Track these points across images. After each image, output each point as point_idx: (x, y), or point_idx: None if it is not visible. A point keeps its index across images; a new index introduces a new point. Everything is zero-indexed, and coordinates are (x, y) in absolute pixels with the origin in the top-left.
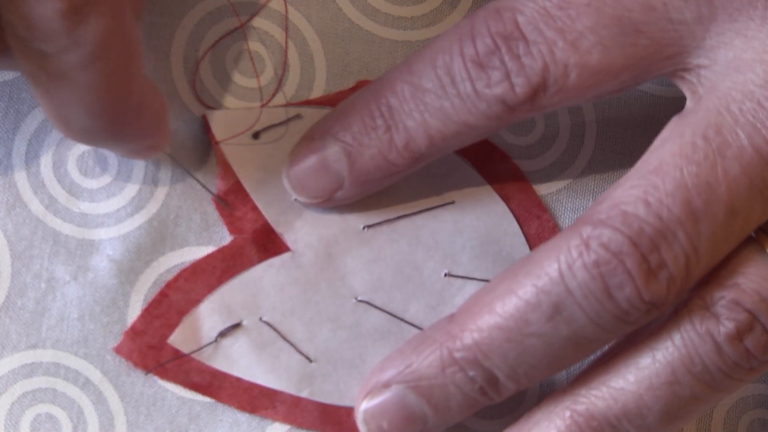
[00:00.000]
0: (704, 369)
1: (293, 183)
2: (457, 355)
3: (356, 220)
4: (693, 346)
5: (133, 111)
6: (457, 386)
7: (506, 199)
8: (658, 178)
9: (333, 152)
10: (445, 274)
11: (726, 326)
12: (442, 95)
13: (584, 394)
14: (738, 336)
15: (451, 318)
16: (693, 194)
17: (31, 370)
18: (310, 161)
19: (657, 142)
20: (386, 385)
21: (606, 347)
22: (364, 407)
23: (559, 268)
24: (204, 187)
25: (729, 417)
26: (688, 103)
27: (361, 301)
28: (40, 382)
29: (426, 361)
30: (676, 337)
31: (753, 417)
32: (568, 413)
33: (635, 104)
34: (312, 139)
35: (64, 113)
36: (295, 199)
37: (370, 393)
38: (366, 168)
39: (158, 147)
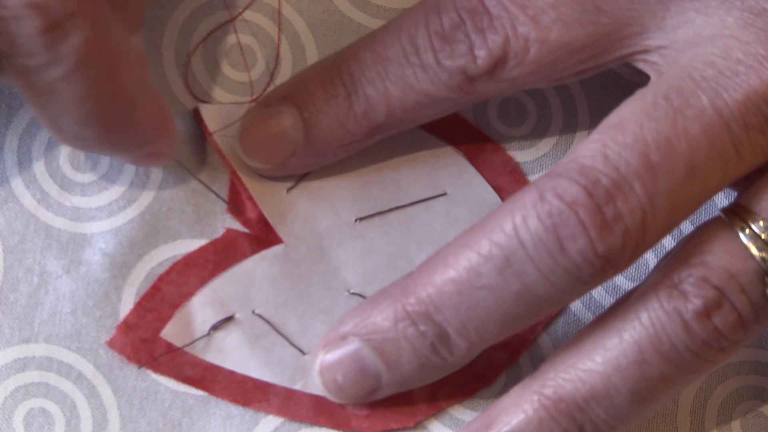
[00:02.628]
0: (672, 348)
1: (246, 148)
2: (409, 308)
3: (348, 213)
4: (660, 325)
5: (125, 118)
6: (408, 341)
7: (499, 190)
8: (617, 132)
9: (288, 117)
10: None
11: (694, 303)
12: (404, 64)
13: (552, 377)
14: (706, 313)
15: (409, 274)
16: (652, 148)
17: (23, 364)
18: (264, 126)
19: (620, 105)
20: (343, 338)
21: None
22: (320, 359)
23: (513, 221)
24: (210, 190)
25: (723, 408)
26: (652, 79)
27: (353, 293)
28: (32, 376)
29: (381, 315)
30: (644, 316)
31: (747, 408)
32: (536, 397)
33: (628, 95)
34: (268, 104)
35: (57, 123)
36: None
37: (327, 345)
38: (322, 135)
39: (162, 154)
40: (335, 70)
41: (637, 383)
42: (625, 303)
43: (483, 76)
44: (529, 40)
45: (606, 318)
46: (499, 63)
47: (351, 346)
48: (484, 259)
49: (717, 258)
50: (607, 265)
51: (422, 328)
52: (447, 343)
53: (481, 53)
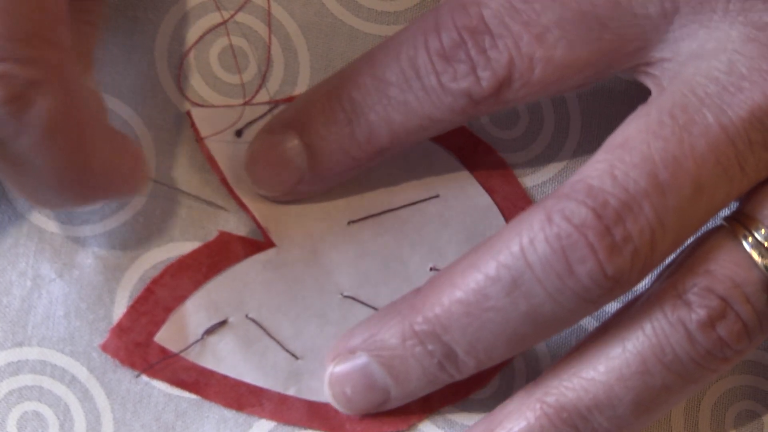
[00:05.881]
0: (675, 358)
1: (254, 177)
2: (417, 328)
3: (341, 216)
4: (664, 335)
5: (100, 176)
6: (416, 359)
7: (491, 192)
8: (624, 152)
9: (293, 146)
10: (431, 268)
11: (698, 313)
12: (406, 89)
13: (555, 385)
14: (710, 323)
15: (417, 291)
16: (660, 167)
17: (17, 367)
18: (270, 155)
19: (623, 123)
20: (352, 351)
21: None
22: (330, 370)
23: (520, 242)
24: (200, 199)
25: (716, 408)
26: (653, 94)
27: (347, 296)
28: (26, 379)
29: (389, 332)
30: (647, 326)
31: (740, 408)
32: (538, 405)
33: (620, 96)
34: (272, 132)
35: (32, 192)
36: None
37: (337, 357)
38: (326, 162)
39: (139, 188)
40: (335, 96)
41: (640, 393)
42: (628, 312)
43: (488, 98)
44: (534, 60)
45: (609, 326)
46: (504, 84)
47: (359, 361)
48: (492, 281)
49: (721, 267)
50: (615, 286)
51: (430, 347)
52: (455, 362)
53: (485, 74)
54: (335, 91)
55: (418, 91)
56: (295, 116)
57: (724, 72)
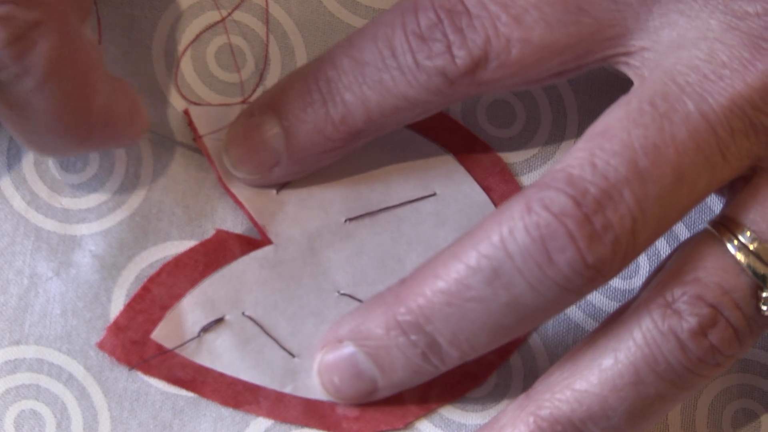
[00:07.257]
0: (668, 367)
1: (231, 158)
2: (400, 318)
3: (338, 213)
4: (656, 345)
5: (100, 120)
6: (400, 350)
7: (488, 191)
8: (604, 140)
9: (270, 127)
10: None
11: (689, 322)
12: (381, 68)
13: (548, 398)
14: (701, 331)
15: (402, 281)
16: (640, 154)
17: (14, 366)
18: (248, 136)
19: (604, 113)
20: (339, 341)
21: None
22: (319, 359)
23: (500, 232)
24: (186, 146)
25: (713, 406)
26: (635, 84)
27: (343, 294)
28: (23, 378)
29: (374, 322)
30: (638, 336)
31: (737, 406)
32: (531, 419)
33: (617, 94)
34: (251, 114)
35: (32, 136)
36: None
37: (326, 346)
38: (302, 144)
39: (137, 135)
40: (312, 77)
41: (633, 403)
42: (618, 320)
43: (463, 78)
44: (512, 40)
45: (600, 336)
46: (480, 64)
47: (346, 350)
48: (473, 271)
49: (710, 274)
50: (597, 275)
51: (413, 337)
52: (438, 353)
53: (460, 53)
54: (313, 73)
55: (393, 70)
56: (273, 98)
57: (704, 60)
